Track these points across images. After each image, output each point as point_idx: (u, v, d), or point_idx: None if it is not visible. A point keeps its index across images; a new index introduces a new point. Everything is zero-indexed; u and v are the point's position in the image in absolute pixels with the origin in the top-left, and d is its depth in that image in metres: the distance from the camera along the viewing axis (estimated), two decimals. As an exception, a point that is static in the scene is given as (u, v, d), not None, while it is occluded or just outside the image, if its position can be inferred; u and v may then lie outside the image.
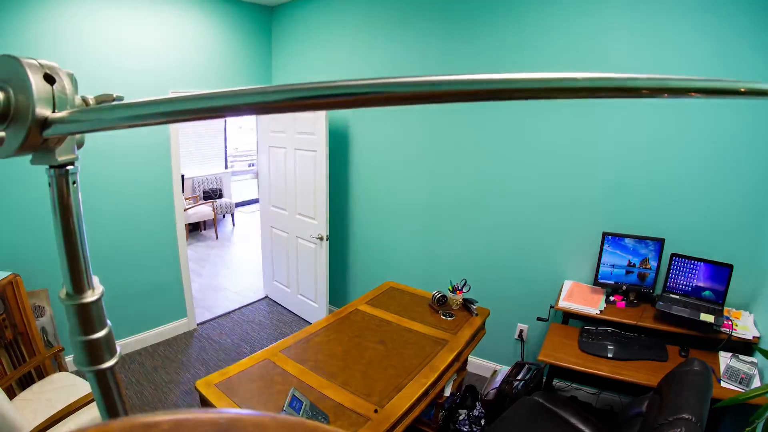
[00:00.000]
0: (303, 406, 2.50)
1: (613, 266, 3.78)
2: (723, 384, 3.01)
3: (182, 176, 5.38)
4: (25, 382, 3.55)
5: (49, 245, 4.15)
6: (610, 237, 3.78)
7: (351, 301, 4.09)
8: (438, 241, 4.95)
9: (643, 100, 3.18)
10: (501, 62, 4.14)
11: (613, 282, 3.78)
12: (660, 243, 3.63)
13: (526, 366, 3.96)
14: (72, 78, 0.56)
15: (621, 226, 3.82)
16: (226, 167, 12.17)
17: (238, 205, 12.42)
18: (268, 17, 5.97)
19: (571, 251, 4.16)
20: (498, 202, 4.46)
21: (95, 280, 0.66)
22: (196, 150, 11.09)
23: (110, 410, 0.70)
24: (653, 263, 3.67)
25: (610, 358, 3.37)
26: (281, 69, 6.06)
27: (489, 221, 4.56)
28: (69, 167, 0.60)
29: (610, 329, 3.64)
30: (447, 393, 3.54)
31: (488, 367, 4.84)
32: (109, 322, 0.67)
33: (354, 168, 5.51)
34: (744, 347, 3.29)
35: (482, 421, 3.75)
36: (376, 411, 2.58)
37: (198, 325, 5.86)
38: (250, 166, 13.20)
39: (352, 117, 5.41)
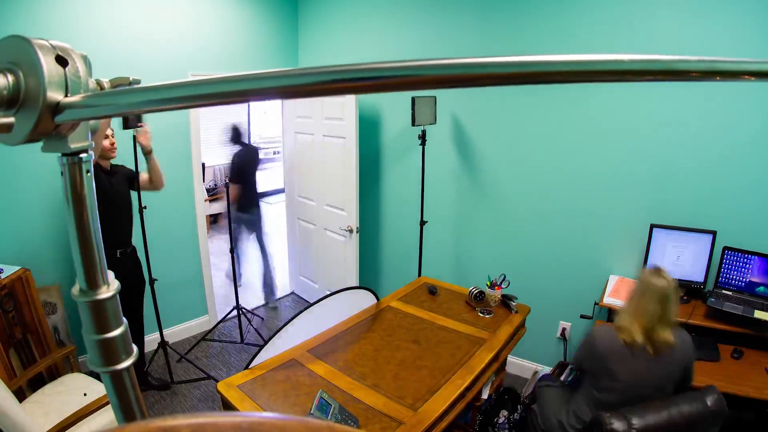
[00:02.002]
0: (331, 409, 2.51)
1: (661, 260, 3.75)
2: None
3: (203, 164, 5.40)
4: (36, 383, 3.61)
5: (62, 238, 4.22)
6: (658, 229, 3.75)
7: (382, 298, 4.09)
8: (474, 234, 4.93)
9: (694, 83, 3.17)
10: (541, 45, 4.13)
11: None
12: (711, 235, 3.60)
13: (569, 366, 3.93)
14: (86, 60, 0.57)
15: (670, 217, 3.80)
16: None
17: (261, 195, 12.46)
18: (294, -5, 5.99)
19: (617, 244, 4.14)
20: (538, 191, 4.44)
21: (110, 275, 0.67)
22: (218, 136, 11.11)
23: (126, 413, 0.71)
24: (704, 257, 3.63)
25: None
26: (308, 51, 6.09)
27: (528, 212, 4.54)
28: (82, 155, 0.60)
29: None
30: (484, 395, 3.53)
31: (528, 367, 4.84)
32: (125, 319, 0.67)
33: (385, 156, 5.51)
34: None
35: (522, 426, 3.74)
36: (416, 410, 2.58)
37: (220, 322, 5.90)
38: (275, 153, 13.19)
39: (383, 101, 5.40)
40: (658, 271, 2.83)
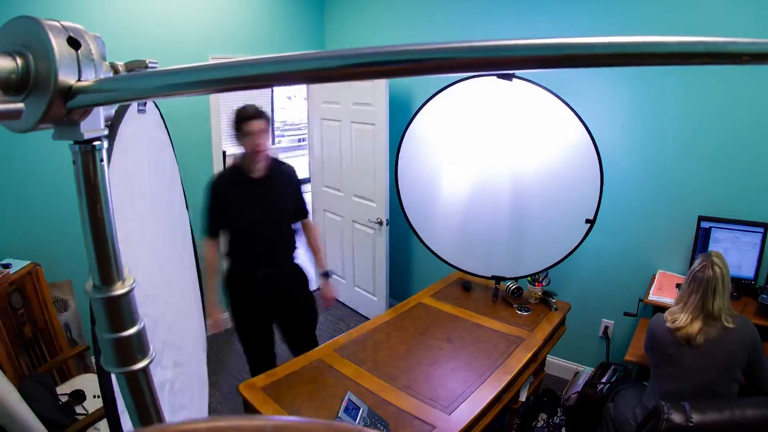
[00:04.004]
0: (360, 413, 2.52)
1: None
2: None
3: (223, 153, 5.42)
4: (48, 384, 3.61)
5: (74, 231, 4.23)
6: (706, 221, 3.72)
7: (414, 294, 4.09)
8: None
9: (745, 67, 3.11)
10: (582, 27, 4.11)
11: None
12: (763, 229, 3.56)
13: (612, 367, 3.90)
14: (99, 42, 0.57)
15: (719, 209, 3.75)
16: (273, 142, 12.24)
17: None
18: (319, -29, 5.99)
19: (663, 237, 4.11)
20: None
21: (125, 270, 0.67)
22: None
23: (142, 417, 0.72)
24: (755, 252, 3.59)
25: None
26: (335, 32, 6.11)
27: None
28: (96, 143, 0.61)
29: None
30: (522, 397, 3.52)
31: (569, 368, 4.81)
32: (141, 317, 0.68)
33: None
34: None
35: (563, 430, 3.73)
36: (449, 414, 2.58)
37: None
38: (300, 141, 13.20)
39: (415, 84, 5.38)
40: (709, 256, 2.90)
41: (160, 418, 0.73)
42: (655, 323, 3.09)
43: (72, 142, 0.59)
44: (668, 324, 2.95)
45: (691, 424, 2.51)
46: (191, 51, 4.84)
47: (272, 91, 10.80)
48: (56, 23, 0.53)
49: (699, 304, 2.85)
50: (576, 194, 3.74)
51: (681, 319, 2.89)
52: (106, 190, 0.63)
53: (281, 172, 3.65)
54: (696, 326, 2.83)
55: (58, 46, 0.51)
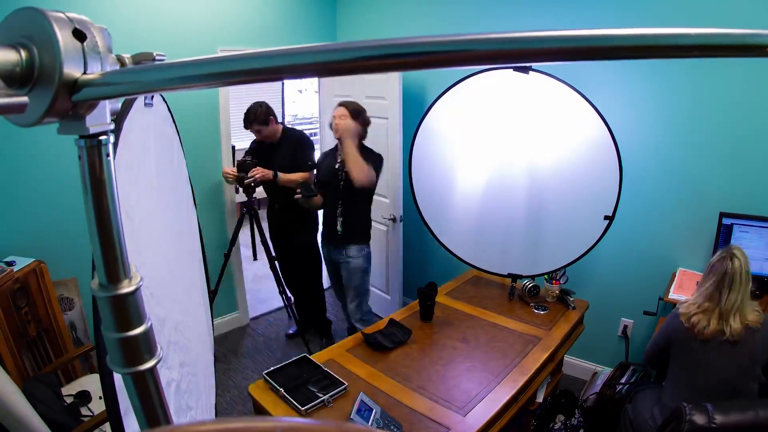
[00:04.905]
0: (373, 414, 2.53)
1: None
2: None
3: (233, 147, 5.44)
4: (52, 384, 3.62)
5: (79, 228, 4.24)
6: (728, 218, 3.70)
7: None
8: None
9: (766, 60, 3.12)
10: (601, 20, 4.09)
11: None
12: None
13: (632, 368, 3.89)
14: (105, 34, 0.57)
15: (741, 205, 3.74)
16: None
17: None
18: (331, -39, 5.99)
19: (684, 234, 4.10)
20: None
21: (132, 268, 0.67)
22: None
23: (150, 418, 0.72)
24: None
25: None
26: (347, 24, 6.11)
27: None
28: (102, 137, 0.61)
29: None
30: (539, 398, 3.52)
31: (587, 368, 4.79)
32: (149, 316, 0.68)
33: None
34: None
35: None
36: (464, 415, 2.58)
37: (251, 320, 5.98)
38: (311, 135, 13.16)
39: (429, 78, 5.37)
40: (729, 249, 2.88)
41: (167, 420, 0.74)
42: (671, 318, 3.08)
43: (77, 137, 0.59)
44: (685, 318, 2.94)
45: (714, 425, 2.50)
46: (200, 43, 4.84)
47: (282, 84, 10.81)
48: (61, 15, 0.52)
49: (715, 297, 2.84)
50: (594, 190, 3.73)
51: (698, 313, 2.88)
52: (113, 185, 0.63)
53: (289, 138, 5.26)
54: (713, 321, 2.82)
55: (63, 38, 0.51)
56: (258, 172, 4.86)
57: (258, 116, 4.92)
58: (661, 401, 3.12)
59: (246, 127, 5.01)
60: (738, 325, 2.78)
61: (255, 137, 5.14)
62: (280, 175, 4.96)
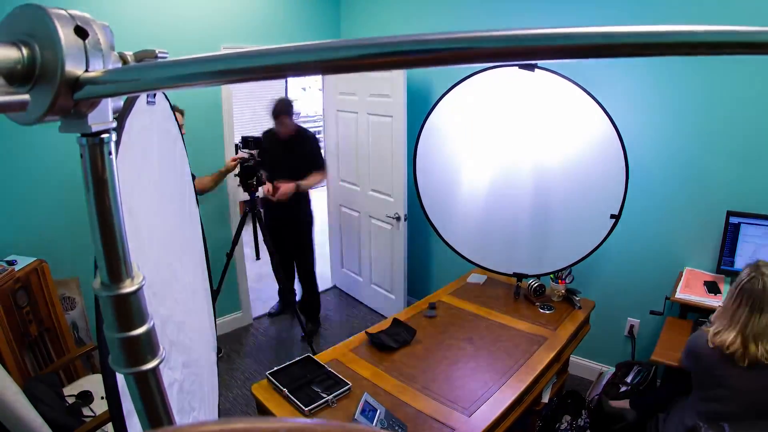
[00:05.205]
0: (377, 415, 2.53)
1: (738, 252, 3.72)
2: None
3: (236, 146, 5.44)
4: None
5: (81, 226, 4.25)
6: (735, 217, 3.70)
7: (433, 292, 4.09)
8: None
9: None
10: (609, 18, 4.06)
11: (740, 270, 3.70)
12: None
13: (635, 367, 3.88)
14: (107, 31, 0.57)
15: (748, 204, 3.73)
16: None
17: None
18: (334, -43, 5.99)
19: (691, 233, 4.09)
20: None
21: (134, 267, 0.67)
22: (253, 115, 11.13)
23: (152, 419, 0.72)
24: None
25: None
26: (351, 21, 6.12)
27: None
28: (104, 135, 0.61)
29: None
30: (545, 399, 3.52)
31: (593, 368, 4.79)
32: (151, 315, 0.68)
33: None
34: None
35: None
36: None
37: (254, 319, 6.00)
38: (316, 134, 13.16)
39: (434, 76, 5.37)
40: (758, 267, 2.75)
41: (170, 421, 0.74)
42: (696, 340, 2.95)
43: (79, 135, 0.59)
44: (712, 341, 2.81)
45: None
46: (202, 41, 4.85)
47: (286, 81, 10.80)
48: (63, 12, 0.52)
49: (746, 320, 2.70)
50: (600, 189, 3.72)
51: (727, 336, 2.75)
52: (115, 184, 0.63)
53: (303, 136, 5.40)
54: (744, 344, 2.69)
55: (65, 35, 0.51)
56: (281, 188, 5.07)
57: (287, 108, 5.14)
58: (683, 420, 3.09)
59: (274, 116, 5.11)
60: (763, 352, 2.67)
61: (273, 129, 5.26)
62: (302, 184, 5.19)
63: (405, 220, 5.40)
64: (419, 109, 5.21)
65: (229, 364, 5.13)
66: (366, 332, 3.43)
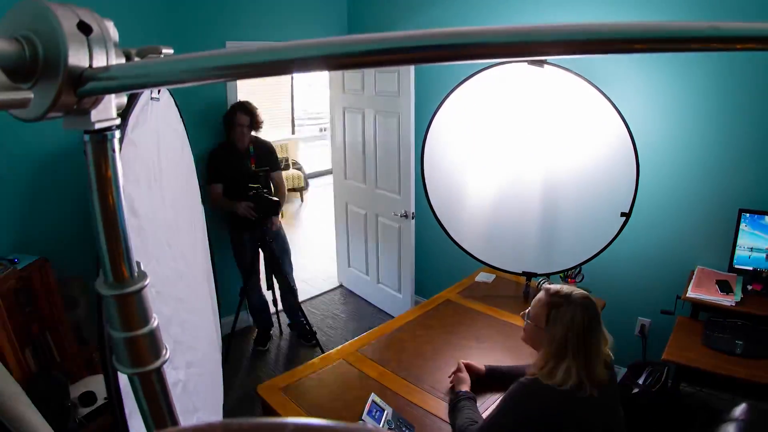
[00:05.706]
0: (384, 415, 2.53)
1: (751, 249, 3.72)
2: None
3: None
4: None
5: (84, 225, 4.25)
6: (747, 215, 3.71)
7: (441, 291, 4.09)
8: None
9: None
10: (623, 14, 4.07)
11: (751, 268, 3.73)
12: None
13: (648, 367, 3.88)
14: (111, 27, 0.57)
15: (761, 201, 3.72)
16: (293, 132, 12.22)
17: (306, 177, 12.46)
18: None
19: (702, 231, 4.08)
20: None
21: (138, 266, 0.67)
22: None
23: (156, 420, 0.72)
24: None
25: (739, 354, 3.30)
26: (359, 16, 6.10)
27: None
28: (107, 132, 0.60)
29: (740, 322, 3.57)
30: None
31: (604, 368, 4.76)
32: (155, 315, 0.68)
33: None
34: None
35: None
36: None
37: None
38: (321, 131, 13.16)
39: (442, 72, 5.35)
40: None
41: (174, 421, 0.74)
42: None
43: (82, 132, 0.59)
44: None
45: None
46: (207, 37, 4.84)
47: (292, 78, 10.82)
48: (66, 7, 0.52)
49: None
50: (610, 186, 3.72)
51: (565, 376, 2.43)
52: (118, 181, 0.63)
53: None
54: (575, 379, 2.43)
55: (68, 30, 0.51)
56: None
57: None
58: None
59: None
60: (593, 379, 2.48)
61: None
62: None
63: (413, 218, 5.40)
64: (427, 106, 5.20)
65: (234, 364, 5.13)
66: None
